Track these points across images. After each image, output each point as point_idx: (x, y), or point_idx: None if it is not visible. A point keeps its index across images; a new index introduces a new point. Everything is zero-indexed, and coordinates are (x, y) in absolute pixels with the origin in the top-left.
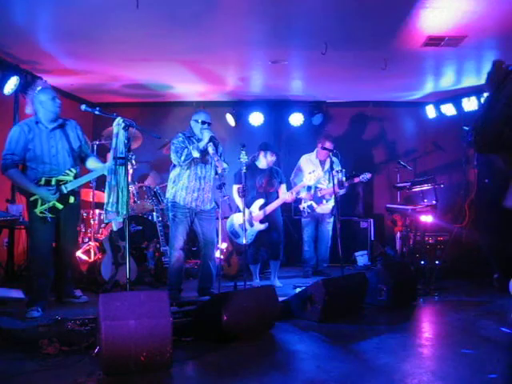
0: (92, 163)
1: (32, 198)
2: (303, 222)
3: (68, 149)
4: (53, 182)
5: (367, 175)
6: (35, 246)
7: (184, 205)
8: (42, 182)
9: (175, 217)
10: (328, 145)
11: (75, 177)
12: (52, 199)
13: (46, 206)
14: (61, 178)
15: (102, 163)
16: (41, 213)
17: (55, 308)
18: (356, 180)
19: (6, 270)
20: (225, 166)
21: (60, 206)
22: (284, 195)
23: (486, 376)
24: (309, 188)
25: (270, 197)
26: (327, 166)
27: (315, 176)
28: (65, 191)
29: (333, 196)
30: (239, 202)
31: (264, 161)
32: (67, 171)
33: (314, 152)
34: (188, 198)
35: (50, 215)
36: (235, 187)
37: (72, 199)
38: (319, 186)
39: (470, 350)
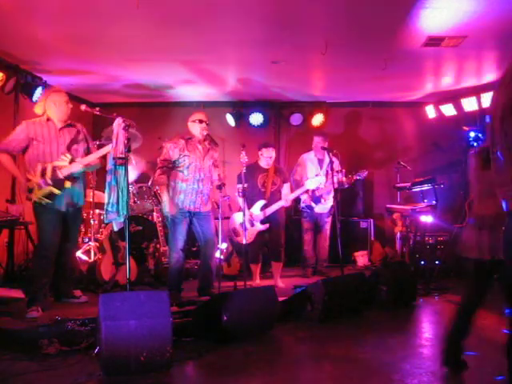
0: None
1: (30, 186)
2: (303, 221)
3: (74, 148)
4: (49, 169)
5: (364, 173)
6: (41, 244)
7: (182, 207)
8: (39, 169)
9: (174, 217)
10: (320, 141)
11: (70, 162)
12: (41, 185)
13: (43, 192)
14: (56, 163)
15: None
16: (39, 199)
17: (55, 308)
18: (355, 178)
19: (6, 270)
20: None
21: (57, 191)
22: (282, 201)
23: (485, 376)
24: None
25: (272, 196)
26: (326, 161)
27: (317, 181)
28: (60, 176)
29: (331, 195)
30: (240, 201)
31: (263, 159)
32: (62, 157)
33: (312, 151)
34: (186, 201)
35: (47, 201)
36: (239, 187)
37: (68, 184)
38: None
39: (469, 350)
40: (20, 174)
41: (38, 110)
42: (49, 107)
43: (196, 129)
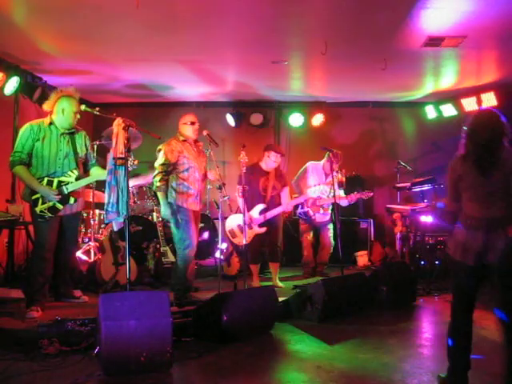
0: (96, 170)
1: (34, 197)
2: (302, 227)
3: (74, 154)
4: (55, 183)
5: (369, 193)
6: (38, 244)
7: (187, 208)
8: (45, 183)
9: (184, 216)
10: (332, 157)
11: (77, 179)
12: (52, 199)
13: (46, 205)
14: (63, 178)
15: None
16: (41, 211)
17: (55, 308)
18: (358, 196)
19: (6, 270)
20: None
21: (60, 207)
22: (284, 205)
23: (484, 377)
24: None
25: (271, 200)
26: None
27: (319, 190)
28: (65, 192)
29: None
30: (240, 202)
31: (268, 162)
32: (69, 172)
33: (322, 162)
34: (190, 201)
35: (50, 215)
36: (239, 188)
37: (72, 200)
38: (320, 194)
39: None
40: (37, 183)
41: (46, 107)
42: (56, 112)
43: (189, 131)
